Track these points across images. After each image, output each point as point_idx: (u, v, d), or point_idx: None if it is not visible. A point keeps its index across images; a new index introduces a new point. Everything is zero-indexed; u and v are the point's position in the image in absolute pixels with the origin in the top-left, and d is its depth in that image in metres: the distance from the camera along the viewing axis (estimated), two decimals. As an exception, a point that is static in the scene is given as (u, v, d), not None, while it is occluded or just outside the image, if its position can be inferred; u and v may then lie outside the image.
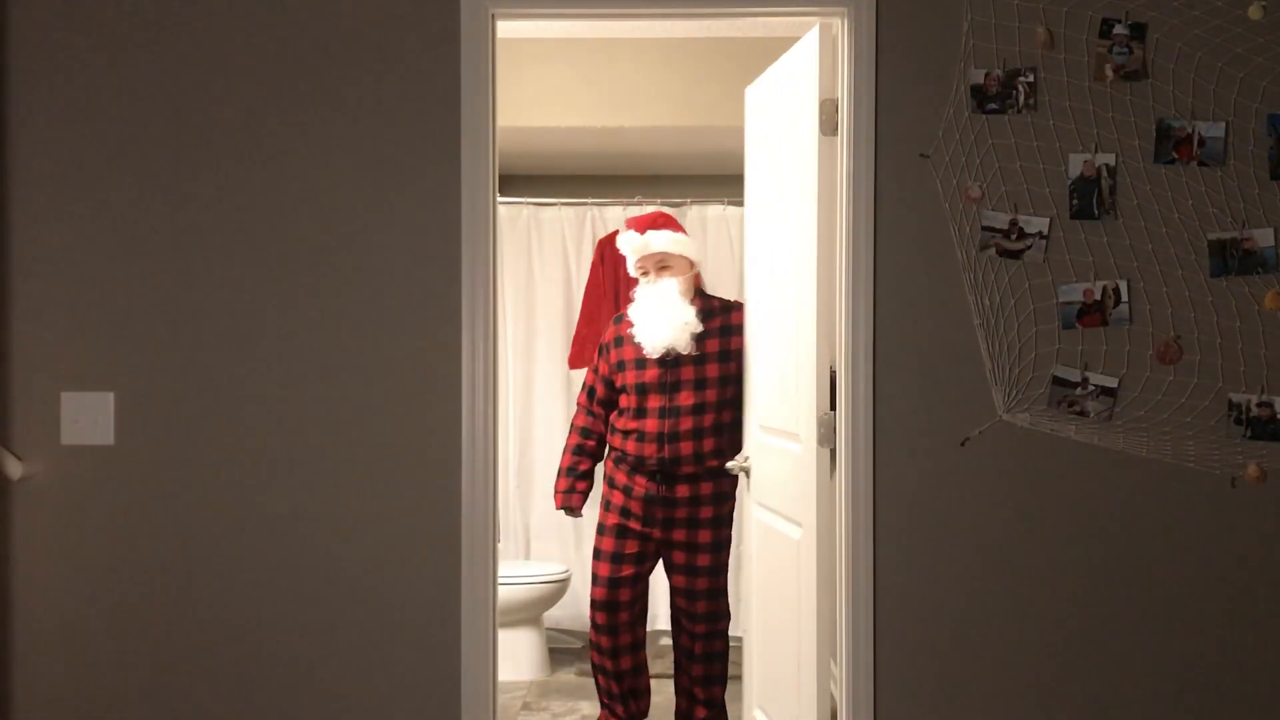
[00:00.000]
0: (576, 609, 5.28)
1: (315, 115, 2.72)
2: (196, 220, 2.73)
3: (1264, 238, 2.64)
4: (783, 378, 3.19)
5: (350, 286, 2.73)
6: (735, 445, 3.71)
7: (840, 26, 2.76)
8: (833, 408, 2.86)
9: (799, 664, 3.01)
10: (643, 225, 3.85)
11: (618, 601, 3.76)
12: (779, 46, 3.55)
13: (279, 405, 2.73)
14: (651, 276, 3.81)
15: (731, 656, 3.96)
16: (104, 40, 2.72)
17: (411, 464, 2.74)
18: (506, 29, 3.04)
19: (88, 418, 2.72)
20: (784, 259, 3.17)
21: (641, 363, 3.77)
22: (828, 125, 2.84)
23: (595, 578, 3.82)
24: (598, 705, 4.03)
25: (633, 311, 3.85)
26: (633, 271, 3.92)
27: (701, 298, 3.84)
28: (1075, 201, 2.67)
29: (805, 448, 2.98)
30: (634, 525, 3.75)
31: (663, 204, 5.03)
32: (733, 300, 3.96)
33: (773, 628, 3.30)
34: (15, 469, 2.68)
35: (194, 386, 2.73)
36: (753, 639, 3.52)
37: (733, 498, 3.79)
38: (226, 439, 2.73)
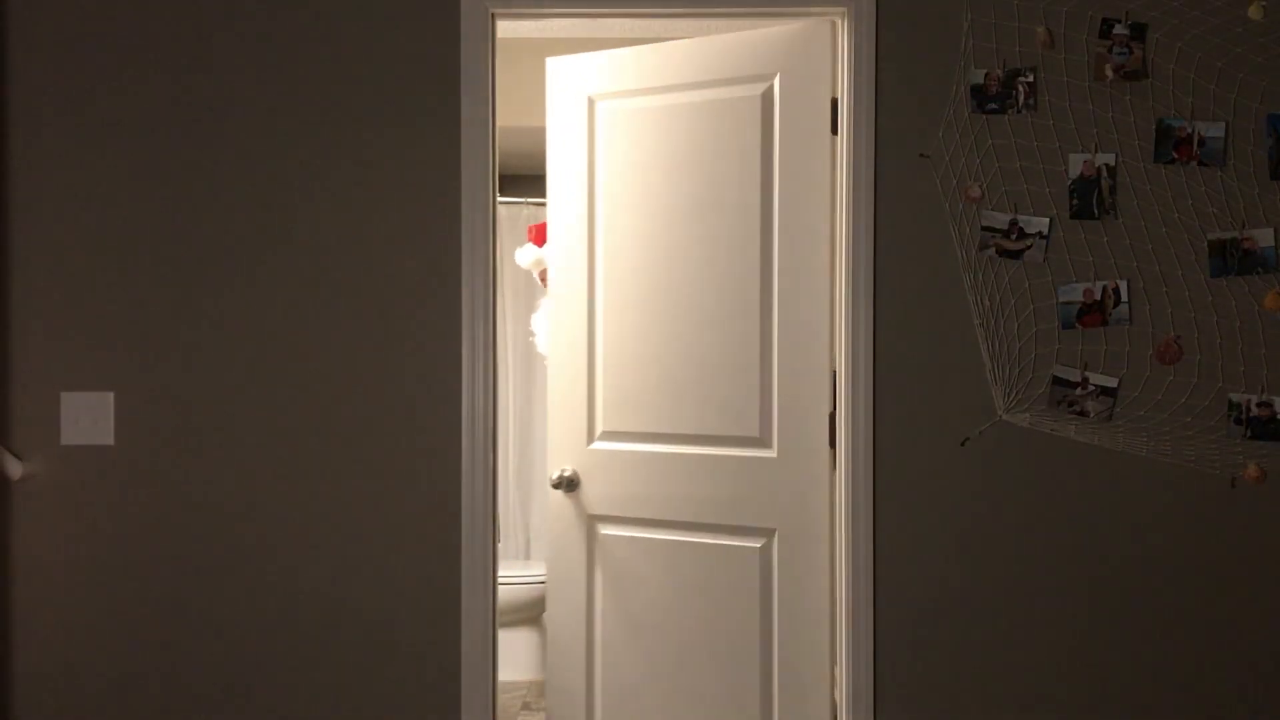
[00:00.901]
0: (576, 609, 5.27)
1: (315, 115, 2.73)
2: (196, 220, 2.74)
3: (1264, 238, 2.64)
4: (721, 382, 3.06)
5: (350, 286, 2.74)
6: None
7: (840, 26, 2.77)
8: (833, 408, 2.86)
9: (788, 678, 2.98)
10: (542, 238, 3.84)
11: None
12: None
13: (279, 405, 2.74)
14: None
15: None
16: (105, 41, 2.73)
17: (411, 463, 2.75)
18: (506, 28, 3.04)
19: (88, 418, 2.73)
20: (730, 255, 3.06)
21: None
22: (830, 124, 2.84)
23: None
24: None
25: (534, 323, 3.88)
26: (539, 281, 3.95)
27: None
28: (1075, 201, 2.67)
29: (784, 451, 2.96)
30: None
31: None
32: None
33: (700, 658, 3.09)
34: (15, 469, 2.69)
35: (194, 386, 2.74)
36: (600, 663, 3.25)
37: None
38: (226, 439, 2.74)
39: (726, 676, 3.06)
